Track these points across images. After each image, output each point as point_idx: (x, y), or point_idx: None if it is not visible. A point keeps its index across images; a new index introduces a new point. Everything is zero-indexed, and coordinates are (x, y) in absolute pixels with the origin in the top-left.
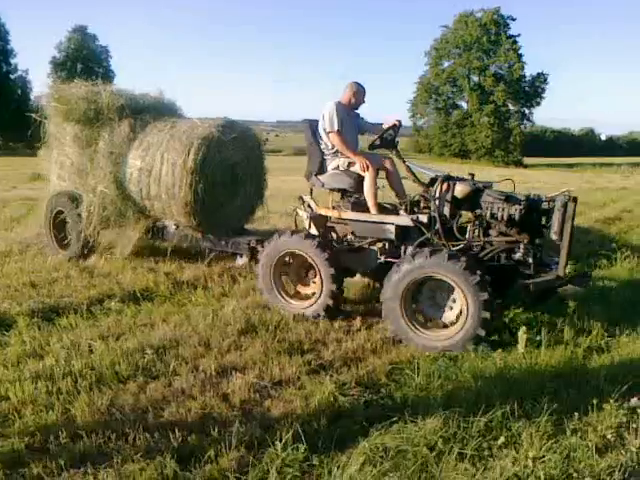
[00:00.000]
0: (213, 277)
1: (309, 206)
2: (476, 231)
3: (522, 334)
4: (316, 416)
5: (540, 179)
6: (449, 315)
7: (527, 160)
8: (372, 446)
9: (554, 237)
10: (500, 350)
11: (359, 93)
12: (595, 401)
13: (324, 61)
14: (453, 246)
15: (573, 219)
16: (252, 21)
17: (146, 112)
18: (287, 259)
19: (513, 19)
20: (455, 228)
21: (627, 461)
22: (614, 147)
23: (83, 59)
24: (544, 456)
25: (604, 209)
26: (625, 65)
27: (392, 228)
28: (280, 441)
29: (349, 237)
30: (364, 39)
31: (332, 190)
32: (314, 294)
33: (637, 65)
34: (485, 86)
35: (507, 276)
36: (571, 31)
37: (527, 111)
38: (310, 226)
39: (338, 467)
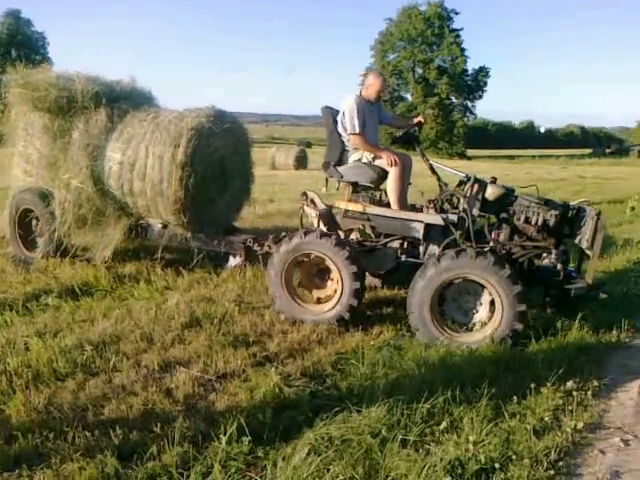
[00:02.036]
0: (156, 270)
1: (312, 201)
2: (501, 234)
3: None
4: (261, 408)
5: (483, 170)
6: (477, 318)
7: (470, 152)
8: (317, 436)
9: (584, 245)
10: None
11: (381, 84)
12: (533, 385)
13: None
14: (481, 248)
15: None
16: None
17: (122, 101)
18: (300, 261)
19: (456, 13)
20: (486, 230)
21: (562, 442)
22: (553, 139)
23: (17, 45)
24: (484, 439)
25: None
26: (563, 60)
27: (420, 227)
28: (224, 435)
29: (356, 234)
30: (310, 30)
31: (349, 183)
32: (330, 297)
33: (574, 59)
34: (429, 79)
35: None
36: (512, 26)
37: (470, 104)
38: (319, 223)
39: (283, 458)
